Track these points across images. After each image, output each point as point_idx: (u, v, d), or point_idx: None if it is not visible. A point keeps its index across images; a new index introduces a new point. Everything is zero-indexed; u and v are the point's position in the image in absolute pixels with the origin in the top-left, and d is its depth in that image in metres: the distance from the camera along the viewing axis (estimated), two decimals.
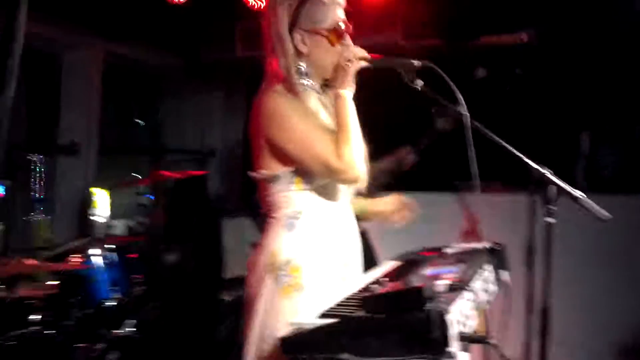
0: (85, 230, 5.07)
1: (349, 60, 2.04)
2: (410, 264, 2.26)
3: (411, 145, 3.79)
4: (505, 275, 2.24)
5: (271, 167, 2.08)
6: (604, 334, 4.09)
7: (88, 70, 5.30)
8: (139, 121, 6.71)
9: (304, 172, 2.06)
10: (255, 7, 5.11)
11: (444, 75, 2.01)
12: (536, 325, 2.20)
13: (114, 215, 8.30)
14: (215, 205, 4.90)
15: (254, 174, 2.14)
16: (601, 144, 4.58)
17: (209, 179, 6.25)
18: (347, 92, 2.05)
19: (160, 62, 6.10)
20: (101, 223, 8.08)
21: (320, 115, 2.11)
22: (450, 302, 1.49)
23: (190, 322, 4.31)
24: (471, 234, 4.29)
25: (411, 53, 4.94)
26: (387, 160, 3.86)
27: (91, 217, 7.52)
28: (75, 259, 3.35)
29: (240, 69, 5.90)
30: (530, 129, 4.40)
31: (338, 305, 1.72)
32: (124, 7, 4.86)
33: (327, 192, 2.12)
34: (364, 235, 4.18)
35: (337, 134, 2.01)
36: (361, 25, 4.77)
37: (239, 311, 4.32)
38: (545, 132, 4.48)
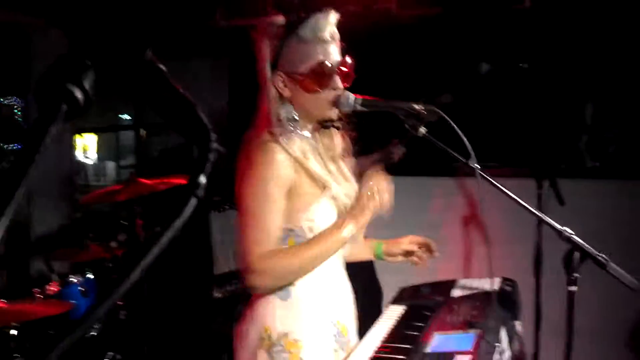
0: (70, 208, 4.88)
1: (372, 197, 1.81)
2: (414, 315, 2.08)
3: (399, 137, 3.52)
4: (518, 327, 2.06)
5: None
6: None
7: (57, 48, 4.92)
8: None
9: (298, 232, 1.84)
10: None
11: (453, 124, 1.78)
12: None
13: (102, 157, 8.20)
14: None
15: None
16: (605, 115, 4.32)
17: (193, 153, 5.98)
18: (349, 230, 1.81)
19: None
20: (91, 166, 8.03)
21: (310, 162, 1.86)
22: None
23: (182, 320, 4.16)
24: (472, 219, 4.11)
25: (406, 22, 4.67)
26: (375, 154, 3.61)
27: (82, 160, 7.45)
28: (52, 288, 3.12)
29: (223, 37, 5.54)
30: (532, 103, 4.15)
31: None
32: None
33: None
34: None
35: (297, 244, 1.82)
36: None
37: (230, 307, 4.21)
38: (547, 105, 4.21)
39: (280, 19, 1.85)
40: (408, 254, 2.21)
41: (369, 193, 1.81)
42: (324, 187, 1.84)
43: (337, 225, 1.81)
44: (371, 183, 1.82)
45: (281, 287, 1.85)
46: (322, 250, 1.80)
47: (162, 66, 0.61)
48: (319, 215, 1.83)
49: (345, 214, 1.85)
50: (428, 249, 2.20)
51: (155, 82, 0.60)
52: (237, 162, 1.88)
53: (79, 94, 0.54)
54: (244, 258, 1.78)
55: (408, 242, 2.20)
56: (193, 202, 0.59)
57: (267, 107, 1.86)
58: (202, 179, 0.59)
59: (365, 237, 2.16)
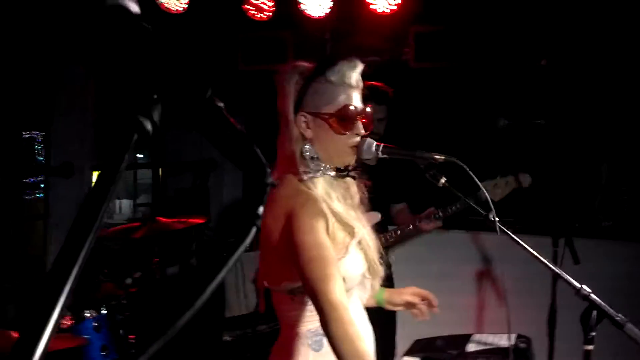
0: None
1: None
2: None
3: (437, 206, 3.35)
4: None
5: (293, 277, 1.77)
6: None
7: (81, 85, 5.03)
8: None
9: None
10: (257, 17, 4.85)
11: (471, 173, 1.79)
12: None
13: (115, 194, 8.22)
14: (215, 240, 4.67)
15: (271, 287, 1.89)
16: (621, 176, 4.33)
17: (210, 189, 6.02)
18: None
19: None
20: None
21: (333, 202, 1.84)
22: None
23: None
24: (487, 274, 4.08)
25: (422, 75, 4.76)
26: (411, 222, 3.40)
27: None
28: (65, 322, 3.11)
29: (240, 80, 5.64)
30: (548, 161, 4.17)
31: None
32: None
33: (352, 301, 1.88)
34: None
35: None
36: (371, 44, 4.58)
37: (240, 351, 4.17)
38: (563, 163, 4.23)
39: (301, 64, 1.87)
40: (409, 305, 2.16)
41: None
42: (350, 232, 1.83)
43: None
44: None
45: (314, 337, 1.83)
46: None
47: (221, 104, 0.64)
48: (349, 266, 1.80)
49: (371, 261, 1.84)
50: (429, 302, 2.14)
51: (215, 119, 0.64)
52: (268, 209, 1.84)
53: (148, 126, 0.58)
54: (319, 299, 1.69)
55: (410, 294, 2.15)
56: (253, 231, 0.62)
57: (289, 148, 1.85)
58: (261, 210, 0.62)
59: None
